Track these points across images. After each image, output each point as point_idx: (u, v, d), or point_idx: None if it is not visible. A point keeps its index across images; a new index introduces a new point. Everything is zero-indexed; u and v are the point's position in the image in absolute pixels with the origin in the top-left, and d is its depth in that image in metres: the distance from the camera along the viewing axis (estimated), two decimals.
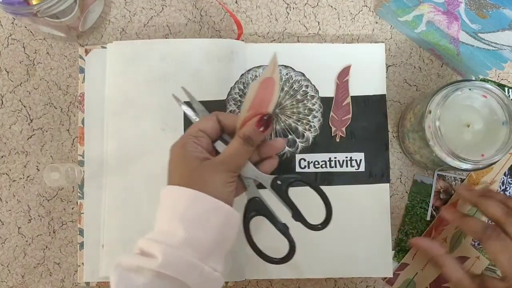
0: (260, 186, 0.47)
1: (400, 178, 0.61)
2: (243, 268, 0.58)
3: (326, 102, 0.61)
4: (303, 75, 0.61)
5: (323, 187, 0.59)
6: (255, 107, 0.44)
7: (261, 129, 0.43)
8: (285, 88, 0.61)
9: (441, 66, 0.63)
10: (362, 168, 0.60)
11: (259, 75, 0.61)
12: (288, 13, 0.63)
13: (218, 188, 0.42)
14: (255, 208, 0.46)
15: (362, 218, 0.59)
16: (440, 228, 0.60)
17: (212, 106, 0.59)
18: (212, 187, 0.41)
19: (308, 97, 0.61)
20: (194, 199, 0.40)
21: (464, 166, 0.51)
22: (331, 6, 0.63)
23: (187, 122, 0.59)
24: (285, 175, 0.46)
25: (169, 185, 0.42)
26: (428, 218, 0.60)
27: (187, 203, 0.40)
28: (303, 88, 0.61)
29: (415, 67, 0.63)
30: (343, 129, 0.60)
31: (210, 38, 0.62)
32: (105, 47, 0.61)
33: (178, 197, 0.41)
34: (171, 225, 0.40)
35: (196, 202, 0.40)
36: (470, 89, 0.51)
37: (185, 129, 0.59)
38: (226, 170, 0.43)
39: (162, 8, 0.63)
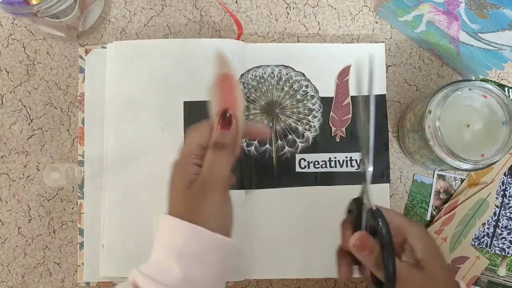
0: None
1: (400, 178, 0.61)
2: (243, 268, 0.58)
3: (326, 102, 0.61)
4: (303, 75, 0.61)
5: (323, 187, 0.59)
6: (224, 104, 0.42)
7: (225, 128, 0.41)
8: (285, 88, 0.61)
9: (441, 66, 0.63)
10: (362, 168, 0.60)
11: (259, 75, 0.61)
12: (288, 13, 0.63)
13: (214, 214, 0.40)
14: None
15: None
16: (440, 228, 0.60)
17: None
18: (208, 215, 0.39)
19: (308, 97, 0.61)
20: (192, 235, 0.38)
21: (464, 166, 0.51)
22: (331, 6, 0.63)
23: (187, 122, 0.59)
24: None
25: (166, 215, 0.40)
26: (428, 218, 0.60)
27: (185, 239, 0.38)
28: (303, 88, 0.61)
29: (415, 67, 0.63)
30: (343, 129, 0.60)
31: (210, 38, 0.62)
32: (105, 47, 0.61)
33: (176, 230, 0.39)
34: (168, 261, 0.38)
35: (194, 238, 0.38)
36: (470, 89, 0.51)
37: (185, 129, 0.59)
38: (214, 188, 0.40)
39: (162, 8, 0.63)
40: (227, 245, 0.40)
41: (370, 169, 0.42)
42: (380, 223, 0.39)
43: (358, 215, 0.42)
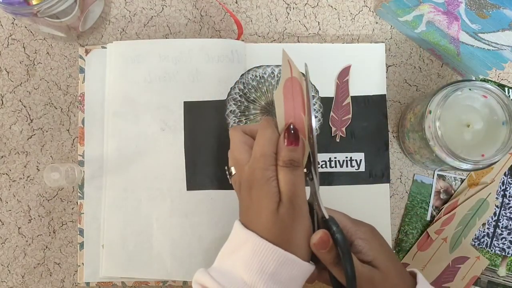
0: None
1: (400, 178, 0.61)
2: None
3: (326, 102, 0.61)
4: (303, 75, 0.61)
5: (323, 187, 0.59)
6: (290, 117, 0.40)
7: (293, 144, 0.39)
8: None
9: (441, 66, 0.63)
10: (362, 168, 0.60)
11: (259, 75, 0.61)
12: (288, 13, 0.63)
13: (302, 244, 0.39)
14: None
15: (362, 218, 0.59)
16: (440, 228, 0.60)
17: (212, 106, 0.59)
18: (298, 245, 0.39)
19: None
20: (285, 263, 0.38)
21: (464, 166, 0.51)
22: (331, 6, 0.63)
23: (187, 122, 0.59)
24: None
25: (254, 234, 0.39)
26: (428, 218, 0.60)
27: (277, 265, 0.38)
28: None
29: (415, 67, 0.63)
30: (343, 129, 0.60)
31: (210, 38, 0.62)
32: (105, 47, 0.61)
33: (268, 255, 0.38)
34: (256, 283, 0.37)
35: (286, 266, 0.38)
36: (470, 89, 0.51)
37: (185, 129, 0.59)
38: (301, 211, 0.39)
39: (162, 8, 0.63)
40: (311, 271, 0.40)
41: (317, 178, 0.42)
42: (334, 230, 0.39)
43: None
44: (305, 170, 0.41)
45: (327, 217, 0.40)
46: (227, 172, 0.45)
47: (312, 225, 0.41)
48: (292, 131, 0.39)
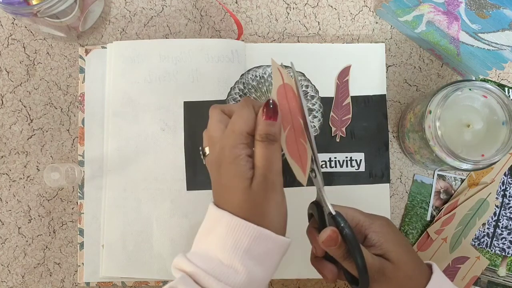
0: None
1: (400, 178, 0.61)
2: None
3: (326, 102, 0.61)
4: (303, 75, 0.61)
5: (324, 187, 0.59)
6: (288, 122, 0.41)
7: (271, 119, 0.39)
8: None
9: (441, 66, 0.63)
10: (362, 168, 0.60)
11: (259, 75, 0.61)
12: (288, 13, 0.63)
13: (274, 215, 0.40)
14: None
15: None
16: (440, 228, 0.60)
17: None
18: (271, 219, 0.39)
19: (308, 97, 0.61)
20: (258, 238, 0.38)
21: (464, 166, 0.51)
22: (331, 6, 0.63)
23: (187, 122, 0.59)
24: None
25: (227, 212, 0.39)
26: (428, 218, 0.60)
27: (251, 240, 0.38)
28: (303, 88, 0.61)
29: (415, 67, 0.63)
30: (343, 129, 0.60)
31: (210, 38, 0.62)
32: (105, 47, 0.61)
33: (241, 231, 0.38)
34: (231, 261, 0.38)
35: (260, 241, 0.38)
36: (470, 89, 0.51)
37: (185, 129, 0.59)
38: (275, 185, 0.39)
39: (162, 8, 0.63)
40: (287, 246, 0.40)
41: (320, 176, 0.42)
42: (342, 226, 0.40)
43: (320, 219, 0.43)
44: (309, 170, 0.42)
45: (333, 212, 0.41)
46: (201, 153, 0.44)
47: (323, 224, 0.42)
48: (271, 106, 0.39)
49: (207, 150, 0.43)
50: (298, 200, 0.59)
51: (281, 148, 0.41)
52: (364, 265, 0.39)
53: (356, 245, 0.39)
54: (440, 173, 0.61)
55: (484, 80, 0.61)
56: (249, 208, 0.39)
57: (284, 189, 0.58)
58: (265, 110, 0.39)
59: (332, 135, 0.60)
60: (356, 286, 0.41)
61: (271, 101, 0.40)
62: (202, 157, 0.44)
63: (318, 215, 0.43)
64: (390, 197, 0.60)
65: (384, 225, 0.44)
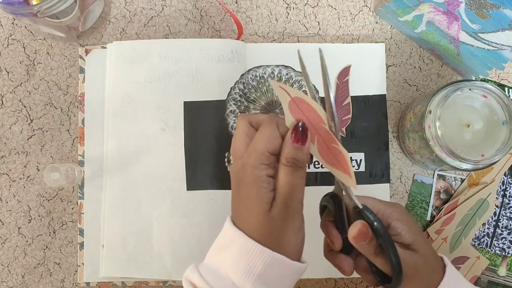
0: None
1: (400, 178, 0.61)
2: None
3: None
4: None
5: (324, 187, 0.59)
6: (313, 133, 0.38)
7: (300, 142, 0.37)
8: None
9: (441, 66, 0.63)
10: (362, 168, 0.60)
11: (259, 75, 0.61)
12: (288, 13, 0.63)
13: (291, 242, 0.38)
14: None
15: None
16: (440, 228, 0.60)
17: (212, 106, 0.59)
18: (287, 245, 0.38)
19: None
20: (273, 264, 0.37)
21: (464, 166, 0.51)
22: (331, 6, 0.63)
23: (187, 122, 0.59)
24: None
25: (243, 233, 0.38)
26: (428, 218, 0.60)
27: (265, 266, 0.37)
28: (303, 88, 0.61)
29: (415, 67, 0.63)
30: (343, 129, 0.60)
31: (210, 38, 0.62)
32: (105, 47, 0.61)
33: (254, 256, 0.37)
34: (244, 284, 0.37)
35: (273, 267, 0.37)
36: (470, 89, 0.51)
37: (185, 129, 0.59)
38: (295, 213, 0.38)
39: (162, 8, 0.63)
40: (302, 271, 0.39)
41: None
42: (372, 219, 0.38)
43: (338, 212, 0.41)
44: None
45: (360, 206, 0.39)
46: (226, 160, 0.43)
47: (342, 217, 0.40)
48: (301, 129, 0.37)
49: (231, 158, 0.42)
50: None
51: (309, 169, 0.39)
52: (399, 262, 0.37)
53: (389, 240, 0.37)
54: (440, 173, 0.61)
55: (484, 80, 0.61)
56: (266, 233, 0.38)
57: None
58: (294, 131, 0.37)
59: None
60: (388, 284, 0.39)
61: (300, 124, 0.37)
62: (226, 164, 0.43)
63: (335, 208, 0.41)
64: (390, 197, 0.60)
65: (403, 212, 0.42)
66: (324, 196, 0.42)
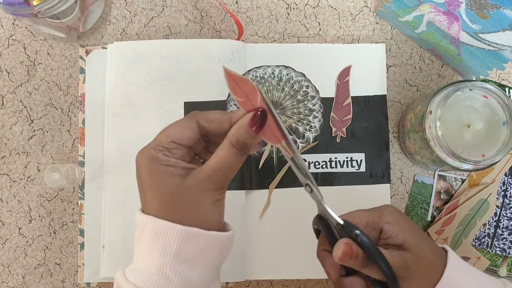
0: None
1: (401, 179, 0.61)
2: (244, 268, 0.58)
3: (327, 103, 0.61)
4: (304, 75, 0.61)
5: (324, 188, 0.59)
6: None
7: (254, 128, 0.36)
8: (286, 89, 0.61)
9: (442, 67, 0.63)
10: (362, 168, 0.60)
11: (259, 75, 0.61)
12: (289, 14, 0.63)
13: (207, 212, 0.36)
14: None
15: None
16: (441, 228, 0.60)
17: (212, 106, 0.59)
18: (201, 213, 0.36)
19: (308, 98, 0.61)
20: (187, 239, 0.35)
21: (465, 166, 0.51)
22: (332, 7, 0.63)
23: None
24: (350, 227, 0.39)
25: (152, 217, 0.36)
26: (429, 218, 0.60)
27: (179, 243, 0.35)
28: (304, 89, 0.61)
29: (415, 68, 0.63)
30: (344, 129, 0.60)
31: (211, 38, 0.62)
32: (105, 48, 0.61)
33: (167, 235, 0.35)
34: (162, 268, 0.35)
35: (189, 241, 0.35)
36: (470, 90, 0.51)
37: None
38: (215, 188, 0.36)
39: (163, 9, 0.63)
40: (223, 240, 0.37)
41: (316, 189, 0.40)
42: (356, 233, 0.38)
43: (327, 232, 0.41)
44: (304, 185, 0.40)
45: (341, 223, 0.39)
46: None
47: (333, 236, 0.40)
48: (260, 115, 0.36)
49: None
50: (297, 201, 0.59)
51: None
52: (389, 269, 0.37)
53: (375, 250, 0.37)
54: (440, 173, 0.61)
55: (484, 80, 0.61)
56: (175, 208, 0.36)
57: (284, 189, 0.59)
58: (254, 115, 0.36)
59: (333, 135, 0.60)
60: None
61: (261, 110, 0.36)
62: None
63: (324, 229, 0.41)
64: (391, 197, 0.60)
65: (393, 212, 0.42)
66: (314, 217, 0.42)
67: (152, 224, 0.36)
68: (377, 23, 0.63)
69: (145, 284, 0.35)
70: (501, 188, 0.60)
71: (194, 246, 0.36)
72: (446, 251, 0.42)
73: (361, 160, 0.60)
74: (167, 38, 0.62)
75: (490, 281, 0.42)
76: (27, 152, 0.61)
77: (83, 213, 0.59)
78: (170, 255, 0.35)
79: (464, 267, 0.41)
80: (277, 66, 0.61)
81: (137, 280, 0.36)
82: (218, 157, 0.36)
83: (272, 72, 0.61)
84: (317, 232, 0.43)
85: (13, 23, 0.62)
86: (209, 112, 0.38)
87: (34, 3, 0.51)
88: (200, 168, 0.36)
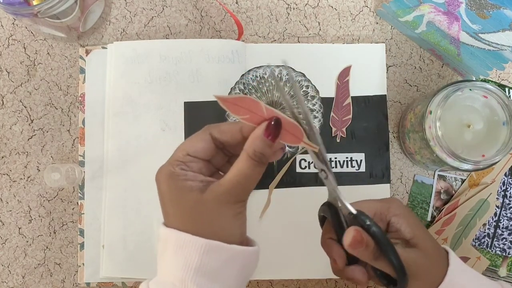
0: None
1: (401, 179, 0.61)
2: None
3: (327, 103, 0.61)
4: (304, 75, 0.61)
5: (324, 188, 0.59)
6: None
7: (270, 137, 0.35)
8: (286, 89, 0.61)
9: (442, 67, 0.63)
10: (362, 168, 0.60)
11: (259, 75, 0.61)
12: (289, 14, 0.63)
13: (228, 226, 0.36)
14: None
15: None
16: (441, 228, 0.60)
17: (212, 106, 0.59)
18: (221, 227, 0.36)
19: (308, 98, 0.61)
20: (208, 251, 0.35)
21: (465, 166, 0.51)
22: (332, 7, 0.63)
23: (188, 122, 0.59)
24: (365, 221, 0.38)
25: (174, 230, 0.36)
26: (429, 218, 0.60)
27: (200, 256, 0.35)
28: (304, 89, 0.61)
29: (415, 68, 0.63)
30: (344, 129, 0.60)
31: (211, 38, 0.62)
32: (105, 48, 0.61)
33: (188, 248, 0.35)
34: (184, 282, 0.35)
35: (210, 254, 0.35)
36: (470, 90, 0.51)
37: (185, 129, 0.59)
38: (234, 201, 0.36)
39: (163, 9, 0.63)
40: (245, 254, 0.37)
41: (332, 175, 0.38)
42: (368, 224, 0.37)
43: (335, 220, 0.40)
44: (318, 170, 0.39)
45: (354, 212, 0.38)
46: None
47: (340, 225, 0.39)
48: (274, 124, 0.35)
49: None
50: (297, 201, 0.59)
51: None
52: (400, 263, 0.36)
53: (387, 242, 0.36)
54: (440, 173, 0.61)
55: (484, 81, 0.61)
56: (197, 221, 0.36)
57: (285, 189, 0.59)
58: (267, 125, 0.35)
59: (333, 135, 0.60)
60: (394, 287, 0.38)
61: (274, 119, 0.35)
62: None
63: (332, 217, 0.40)
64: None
65: (400, 206, 0.42)
66: (321, 205, 0.42)
67: (175, 237, 0.36)
68: (377, 23, 0.63)
69: None
70: (501, 188, 0.60)
71: (215, 259, 0.35)
72: (447, 252, 0.42)
73: (361, 160, 0.60)
74: (167, 38, 0.62)
75: (489, 283, 0.42)
76: (27, 152, 0.61)
77: (83, 213, 0.59)
78: (192, 268, 0.35)
79: (464, 268, 0.41)
80: (277, 66, 0.61)
81: None
82: (236, 170, 0.36)
83: (272, 72, 0.61)
84: (322, 221, 0.43)
85: (13, 23, 0.62)
86: (221, 123, 0.38)
87: (34, 3, 0.51)
88: (218, 182, 0.36)
